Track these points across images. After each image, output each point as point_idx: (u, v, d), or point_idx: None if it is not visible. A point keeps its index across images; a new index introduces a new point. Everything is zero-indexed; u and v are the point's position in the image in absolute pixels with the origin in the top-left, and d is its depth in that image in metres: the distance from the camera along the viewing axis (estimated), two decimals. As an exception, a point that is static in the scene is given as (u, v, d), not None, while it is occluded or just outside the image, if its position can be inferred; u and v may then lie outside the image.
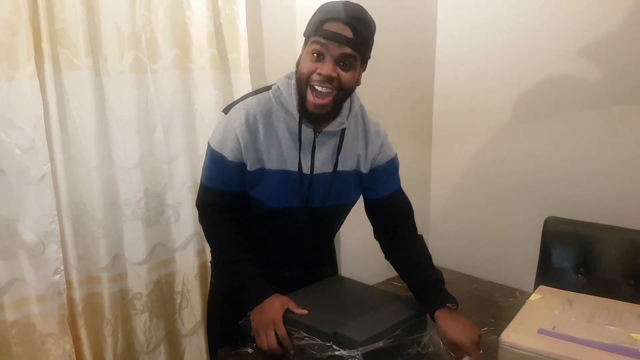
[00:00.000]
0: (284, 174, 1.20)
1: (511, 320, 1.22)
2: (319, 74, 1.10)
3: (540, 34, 1.85)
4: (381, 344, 1.03)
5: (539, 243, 1.61)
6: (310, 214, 1.26)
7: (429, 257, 1.28)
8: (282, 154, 1.19)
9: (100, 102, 1.53)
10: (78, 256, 1.53)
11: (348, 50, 1.09)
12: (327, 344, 1.03)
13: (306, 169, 1.21)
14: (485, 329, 1.25)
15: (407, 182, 2.24)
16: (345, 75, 1.12)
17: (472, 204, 2.16)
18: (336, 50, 1.09)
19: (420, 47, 2.13)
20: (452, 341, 1.10)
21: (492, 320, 1.30)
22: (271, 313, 1.12)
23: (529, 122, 1.94)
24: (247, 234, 1.25)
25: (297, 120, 1.18)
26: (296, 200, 1.22)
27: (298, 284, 1.31)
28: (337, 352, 1.01)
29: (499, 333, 1.20)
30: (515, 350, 0.99)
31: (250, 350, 1.15)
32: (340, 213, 1.35)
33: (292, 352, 1.09)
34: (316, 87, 1.11)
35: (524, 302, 1.24)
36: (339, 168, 1.24)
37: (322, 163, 1.23)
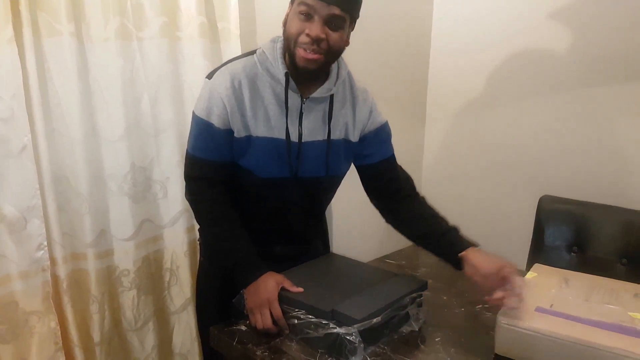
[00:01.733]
0: (271, 142, 1.16)
1: None
2: (308, 35, 1.07)
3: (538, 13, 1.82)
4: (378, 321, 1.01)
5: (533, 222, 1.61)
6: (300, 186, 1.22)
7: (437, 211, 1.25)
8: (269, 121, 1.15)
9: (83, 70, 1.46)
10: (62, 232, 1.48)
11: (337, 10, 1.06)
12: (324, 322, 1.01)
13: (294, 137, 1.17)
14: (480, 306, 1.24)
15: (399, 160, 2.22)
16: (334, 36, 1.09)
17: (465, 183, 2.15)
18: (324, 10, 1.05)
19: (416, 23, 2.08)
20: (487, 272, 1.04)
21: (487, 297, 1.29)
22: (266, 292, 1.09)
23: (525, 100, 1.91)
24: (238, 208, 1.21)
25: (284, 85, 1.14)
26: (285, 170, 1.18)
27: (289, 259, 1.28)
28: (334, 330, 0.99)
29: (493, 310, 1.20)
30: (514, 328, 0.98)
31: (243, 328, 1.12)
32: (330, 185, 1.32)
33: (286, 332, 1.07)
34: (305, 49, 1.09)
35: None
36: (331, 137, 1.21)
37: (310, 131, 1.19)
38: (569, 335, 0.92)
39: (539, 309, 1.02)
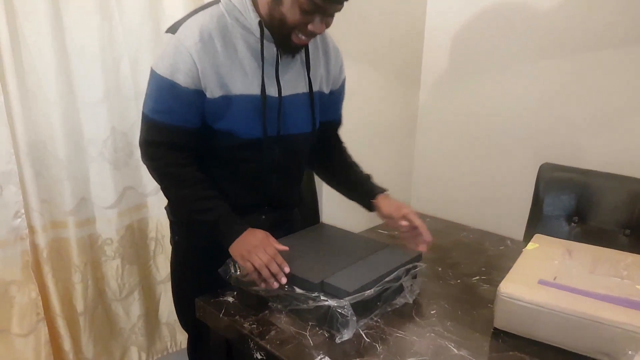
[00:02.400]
0: (251, 99, 1.05)
1: (503, 269, 1.18)
2: (311, 32, 1.02)
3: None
4: (370, 294, 0.96)
5: (532, 190, 1.55)
6: (282, 145, 1.14)
7: (353, 158, 1.32)
8: (246, 76, 1.05)
9: (58, 29, 1.36)
10: (40, 199, 1.41)
11: (341, 6, 1.01)
12: (313, 295, 0.96)
13: (272, 92, 1.08)
14: (477, 278, 1.20)
15: (392, 124, 2.15)
16: (330, 20, 1.04)
17: (462, 148, 2.08)
18: (332, 9, 1.00)
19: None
20: (387, 213, 1.17)
21: (484, 269, 1.24)
22: (255, 239, 1.03)
23: (525, 64, 1.83)
24: (215, 176, 1.12)
25: (258, 36, 1.04)
26: (267, 129, 1.09)
27: (274, 227, 1.20)
28: (325, 303, 0.94)
29: (491, 282, 1.16)
30: (516, 302, 0.93)
31: (230, 299, 1.06)
32: (311, 142, 1.23)
33: (286, 270, 0.98)
34: (301, 37, 1.03)
35: (516, 251, 1.20)
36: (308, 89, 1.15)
37: (289, 83, 1.10)
38: (574, 310, 0.87)
39: (542, 282, 0.96)
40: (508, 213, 1.90)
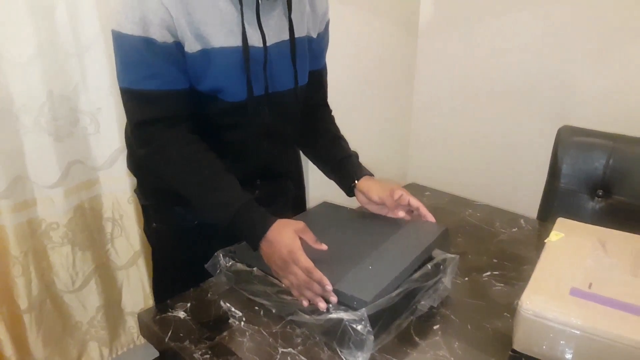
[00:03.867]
0: (233, 53, 0.89)
1: (519, 261, 0.99)
2: None
3: None
4: (394, 298, 0.77)
5: (548, 158, 1.33)
6: (271, 104, 0.97)
7: (339, 131, 1.16)
8: (224, 24, 0.87)
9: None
10: (-40, 181, 1.17)
11: None
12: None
13: (256, 41, 0.91)
14: (489, 273, 0.99)
15: (387, 76, 1.87)
16: None
17: (466, 108, 1.83)
18: None
19: None
20: (380, 197, 1.00)
21: (495, 260, 1.04)
22: (283, 245, 0.83)
23: (542, 4, 1.55)
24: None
25: None
26: (256, 87, 0.93)
27: (272, 205, 1.02)
28: (335, 315, 0.75)
29: (506, 280, 0.96)
30: (543, 320, 0.72)
31: (182, 315, 0.86)
32: (300, 98, 1.05)
33: (328, 287, 0.78)
34: None
35: (531, 234, 1.02)
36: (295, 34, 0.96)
37: (273, 29, 0.94)
38: (622, 335, 0.67)
39: (575, 292, 0.76)
40: (520, 185, 1.68)
